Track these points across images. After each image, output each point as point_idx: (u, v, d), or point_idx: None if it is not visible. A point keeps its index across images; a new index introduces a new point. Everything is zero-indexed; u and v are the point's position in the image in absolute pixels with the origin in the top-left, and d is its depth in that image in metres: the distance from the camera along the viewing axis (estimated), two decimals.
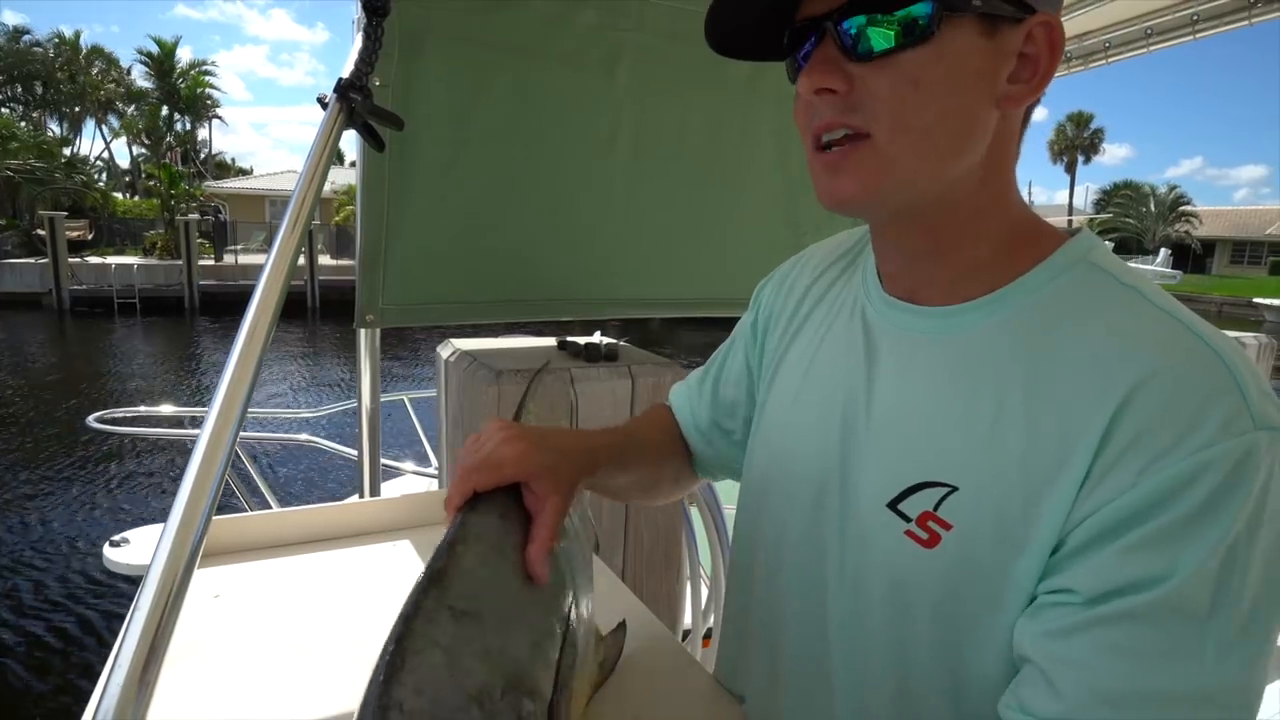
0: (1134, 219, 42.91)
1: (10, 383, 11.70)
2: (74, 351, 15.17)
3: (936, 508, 0.54)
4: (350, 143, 1.30)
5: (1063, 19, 0.55)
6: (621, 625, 0.81)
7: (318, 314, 20.19)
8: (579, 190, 1.71)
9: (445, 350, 1.62)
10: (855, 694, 0.61)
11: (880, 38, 0.49)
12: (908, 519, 0.55)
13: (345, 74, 1.08)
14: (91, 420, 2.79)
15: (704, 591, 1.72)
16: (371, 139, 1.14)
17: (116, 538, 2.25)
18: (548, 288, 1.75)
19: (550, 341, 1.76)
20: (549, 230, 1.70)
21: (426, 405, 3.28)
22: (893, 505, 0.56)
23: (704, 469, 0.90)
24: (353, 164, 1.88)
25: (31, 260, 19.94)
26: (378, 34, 1.11)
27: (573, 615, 0.59)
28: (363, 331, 1.57)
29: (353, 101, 1.06)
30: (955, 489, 0.53)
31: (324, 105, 1.06)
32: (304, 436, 3.01)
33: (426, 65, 1.46)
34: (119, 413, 2.93)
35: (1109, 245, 0.58)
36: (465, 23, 1.48)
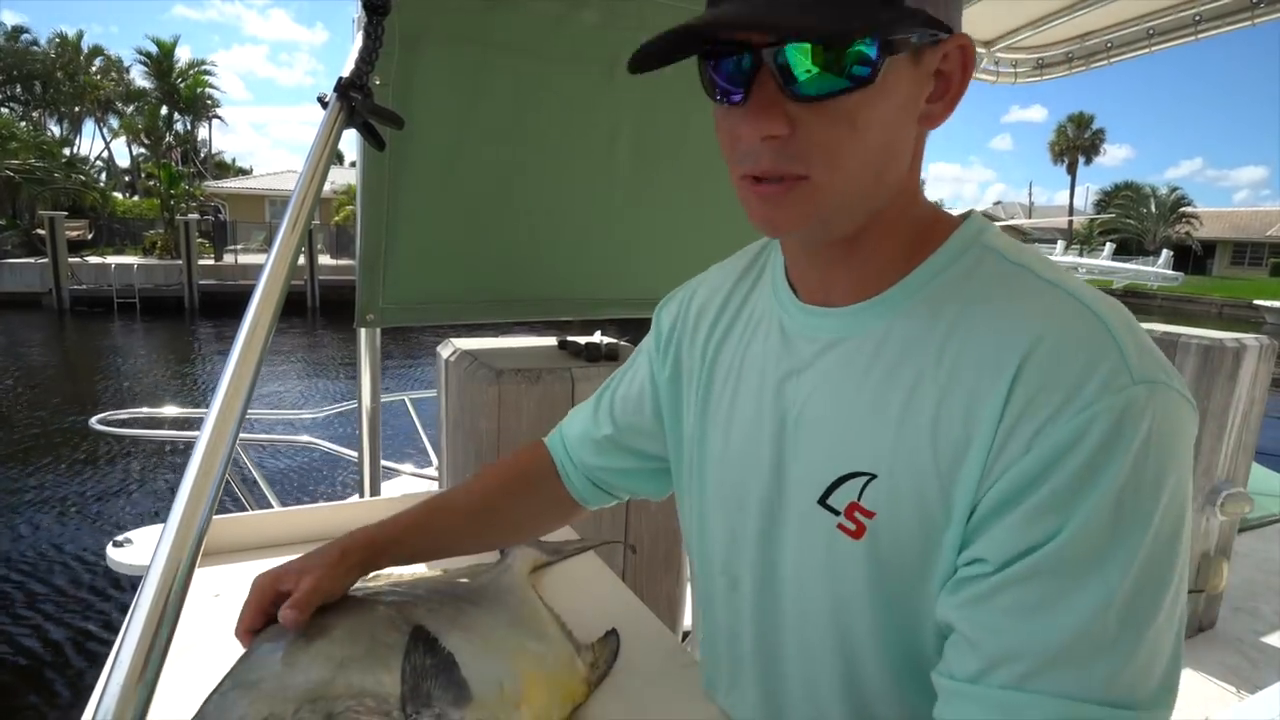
0: (1134, 220, 42.94)
1: (10, 382, 11.70)
2: (74, 351, 15.16)
3: (860, 497, 0.55)
4: (350, 143, 1.29)
5: (1065, 19, 0.55)
6: (612, 633, 0.83)
7: (318, 314, 20.19)
8: (579, 190, 1.71)
9: (445, 350, 1.62)
10: (809, 690, 0.63)
11: (827, 81, 0.48)
12: (836, 512, 0.57)
13: (345, 73, 1.08)
14: (94, 422, 2.80)
15: None
16: (372, 138, 1.14)
17: (119, 538, 2.26)
18: (548, 287, 1.75)
19: (551, 341, 1.76)
20: (549, 230, 1.70)
21: (428, 406, 3.29)
22: (822, 501, 0.58)
23: (589, 499, 0.88)
24: (352, 164, 1.88)
25: (31, 260, 19.94)
26: (378, 33, 1.11)
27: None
28: (363, 331, 1.57)
29: (353, 100, 1.06)
30: (874, 476, 0.55)
31: (324, 104, 1.06)
32: (305, 438, 3.01)
33: (427, 65, 1.46)
34: (121, 414, 2.93)
35: (997, 226, 0.59)
36: (465, 22, 1.48)
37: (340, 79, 1.07)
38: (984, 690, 0.48)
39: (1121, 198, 45.63)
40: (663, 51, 0.51)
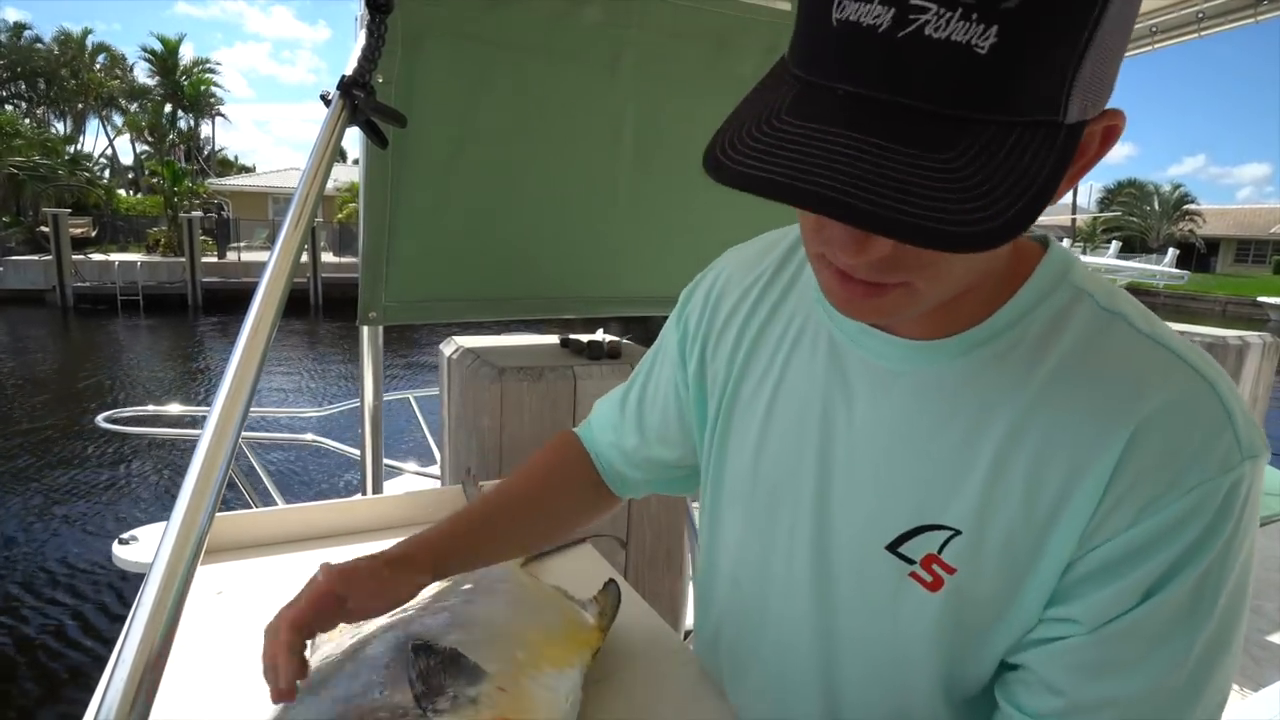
0: (1138, 218, 42.82)
1: (15, 380, 11.74)
2: (78, 349, 15.20)
3: (941, 551, 0.54)
4: (353, 140, 1.30)
5: None
6: (610, 582, 0.86)
7: (321, 311, 20.21)
8: (581, 188, 1.71)
9: (448, 348, 1.62)
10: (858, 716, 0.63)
11: None
12: (911, 561, 0.55)
13: (348, 71, 1.08)
14: (101, 420, 2.81)
15: None
16: (374, 136, 1.14)
17: (125, 535, 2.26)
18: (550, 285, 1.75)
19: (553, 339, 1.76)
20: (551, 228, 1.70)
21: (431, 404, 3.30)
22: (893, 548, 0.56)
23: (627, 489, 0.87)
24: (355, 162, 1.88)
25: (35, 257, 19.97)
26: (381, 30, 1.11)
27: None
28: (365, 329, 1.57)
29: (356, 98, 1.06)
30: (959, 533, 0.53)
31: (327, 102, 1.06)
32: (309, 436, 3.02)
33: (429, 62, 1.46)
34: (127, 412, 2.94)
35: (1078, 254, 0.55)
36: (468, 19, 1.48)
37: (343, 77, 1.07)
38: (1059, 702, 0.50)
39: (1125, 195, 45.50)
40: (764, 186, 0.40)
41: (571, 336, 1.71)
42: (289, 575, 0.96)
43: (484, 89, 1.53)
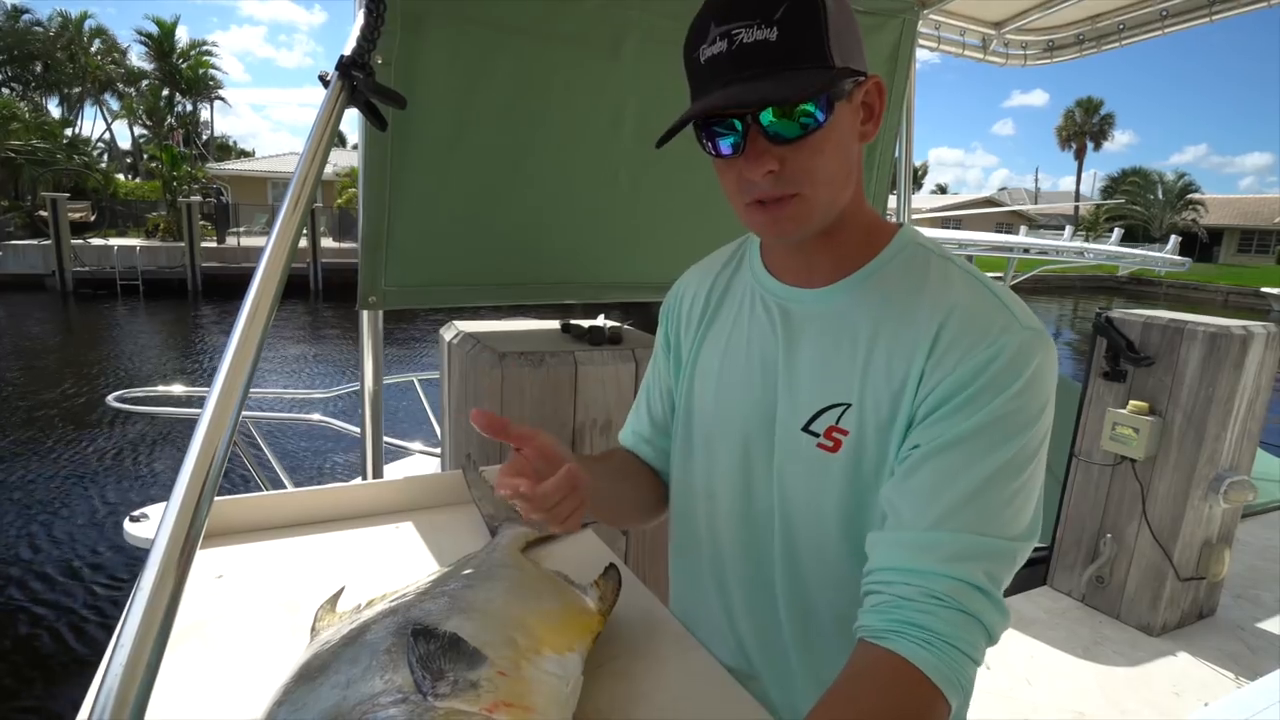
0: (1141, 206, 42.63)
1: (16, 364, 11.74)
2: (78, 333, 15.19)
3: (838, 421, 0.76)
4: (352, 124, 1.28)
5: (1076, 0, 0.54)
6: (611, 566, 0.89)
7: (320, 296, 20.18)
8: (582, 172, 1.70)
9: (448, 332, 1.61)
10: (796, 590, 0.82)
11: (798, 128, 0.69)
12: (816, 435, 0.77)
13: (346, 51, 1.06)
14: (111, 399, 2.84)
15: None
16: (374, 117, 1.13)
17: (136, 513, 2.27)
18: (551, 270, 1.74)
19: (554, 324, 1.75)
20: (552, 212, 1.69)
21: (435, 387, 3.31)
22: (805, 428, 0.78)
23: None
24: (355, 146, 1.86)
25: (34, 242, 19.91)
26: (379, 10, 1.09)
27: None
28: (365, 314, 1.57)
29: (354, 79, 1.04)
30: (849, 405, 0.75)
31: (325, 83, 1.05)
32: (315, 416, 3.02)
33: (429, 44, 1.44)
34: (138, 391, 2.97)
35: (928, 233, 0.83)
36: (468, 1, 1.46)
37: (341, 57, 1.06)
38: (908, 534, 0.68)
39: (1129, 184, 45.29)
40: (682, 125, 0.71)
41: (572, 322, 1.71)
42: (289, 559, 0.96)
43: (484, 71, 1.52)
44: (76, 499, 6.64)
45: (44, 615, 4.82)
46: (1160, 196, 42.86)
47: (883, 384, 0.73)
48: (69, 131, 31.63)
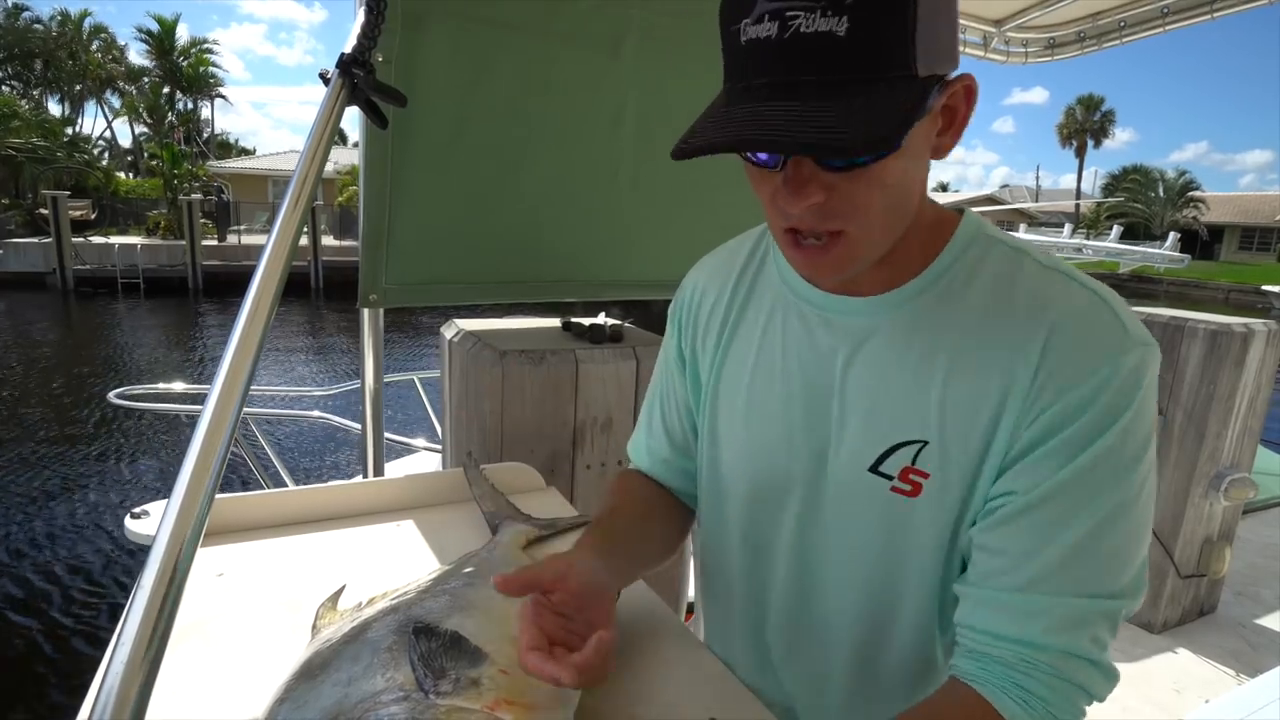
0: (1142, 204, 42.58)
1: (17, 361, 11.75)
2: (79, 331, 15.21)
3: (915, 460, 0.65)
4: (352, 122, 1.28)
5: None
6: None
7: (321, 294, 20.18)
8: (583, 170, 1.69)
9: (449, 330, 1.61)
10: (856, 640, 0.73)
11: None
12: (889, 477, 0.66)
13: (347, 49, 1.06)
14: (112, 396, 2.84)
15: None
16: (374, 115, 1.13)
17: (137, 510, 2.28)
18: (551, 268, 1.73)
19: (554, 322, 1.75)
20: (553, 210, 1.69)
21: (436, 385, 3.32)
22: (874, 469, 0.67)
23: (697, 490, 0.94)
24: (356, 145, 1.86)
25: (35, 240, 19.91)
26: (380, 8, 1.09)
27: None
28: (366, 311, 1.57)
29: (355, 77, 1.04)
30: (926, 443, 0.64)
31: (326, 81, 1.05)
32: (316, 413, 3.03)
33: (429, 41, 1.44)
34: (138, 389, 2.97)
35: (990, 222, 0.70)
36: None
37: (342, 55, 1.06)
38: (1005, 595, 0.60)
39: (1130, 181, 45.24)
40: (709, 148, 0.54)
41: (573, 320, 1.70)
42: (290, 558, 0.96)
43: (485, 69, 1.52)
44: (77, 496, 6.64)
45: (44, 613, 4.83)
46: (1161, 194, 42.81)
47: (967, 415, 0.62)
48: (70, 130, 31.62)
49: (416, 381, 3.56)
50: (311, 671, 0.62)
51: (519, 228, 1.66)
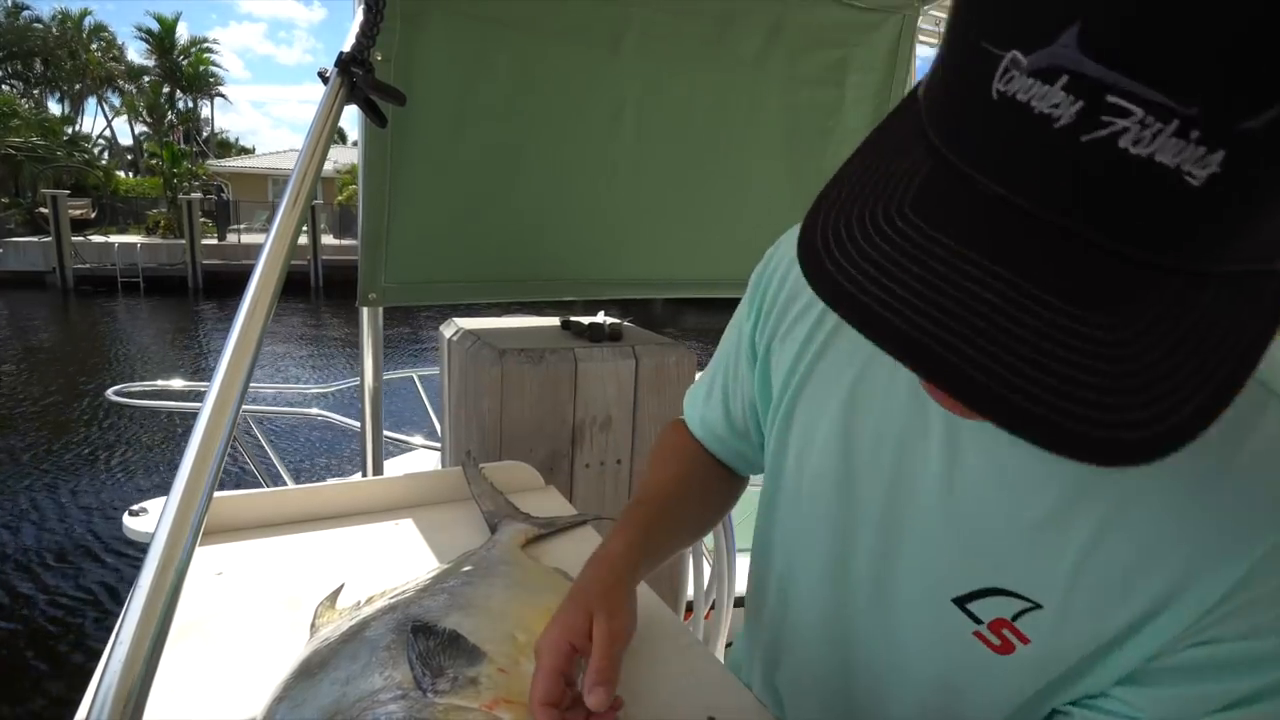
0: None
1: (16, 362, 11.75)
2: (79, 330, 15.21)
3: (1015, 619, 0.50)
4: (352, 121, 1.28)
5: None
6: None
7: (321, 294, 20.19)
8: (583, 168, 1.69)
9: (448, 329, 1.61)
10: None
11: None
12: (978, 621, 0.52)
13: (346, 48, 1.06)
14: (111, 394, 2.84)
15: (706, 568, 1.73)
16: (373, 114, 1.12)
17: (135, 507, 2.27)
18: (551, 267, 1.73)
19: (554, 321, 1.75)
20: (552, 209, 1.69)
21: (435, 383, 3.31)
22: (960, 603, 0.52)
23: (750, 467, 0.86)
24: (355, 144, 1.86)
25: (34, 239, 19.91)
26: (379, 6, 1.09)
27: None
28: (365, 310, 1.57)
29: (354, 75, 1.04)
30: (1039, 607, 0.49)
31: (325, 80, 1.04)
32: (314, 410, 3.03)
33: (428, 40, 1.44)
34: (137, 386, 2.97)
35: None
36: None
37: (341, 54, 1.06)
38: None
39: None
40: (882, 338, 0.33)
41: (572, 319, 1.70)
42: (289, 556, 0.96)
43: (484, 67, 1.52)
44: (76, 493, 6.65)
45: (42, 609, 4.83)
46: None
47: (1114, 594, 0.45)
48: (69, 128, 31.60)
49: (416, 379, 3.56)
50: (310, 670, 0.62)
51: (518, 226, 1.66)
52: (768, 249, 0.74)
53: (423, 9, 1.41)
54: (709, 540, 1.73)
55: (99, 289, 18.84)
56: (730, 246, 1.84)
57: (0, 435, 8.13)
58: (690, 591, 1.72)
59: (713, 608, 1.65)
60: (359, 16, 1.09)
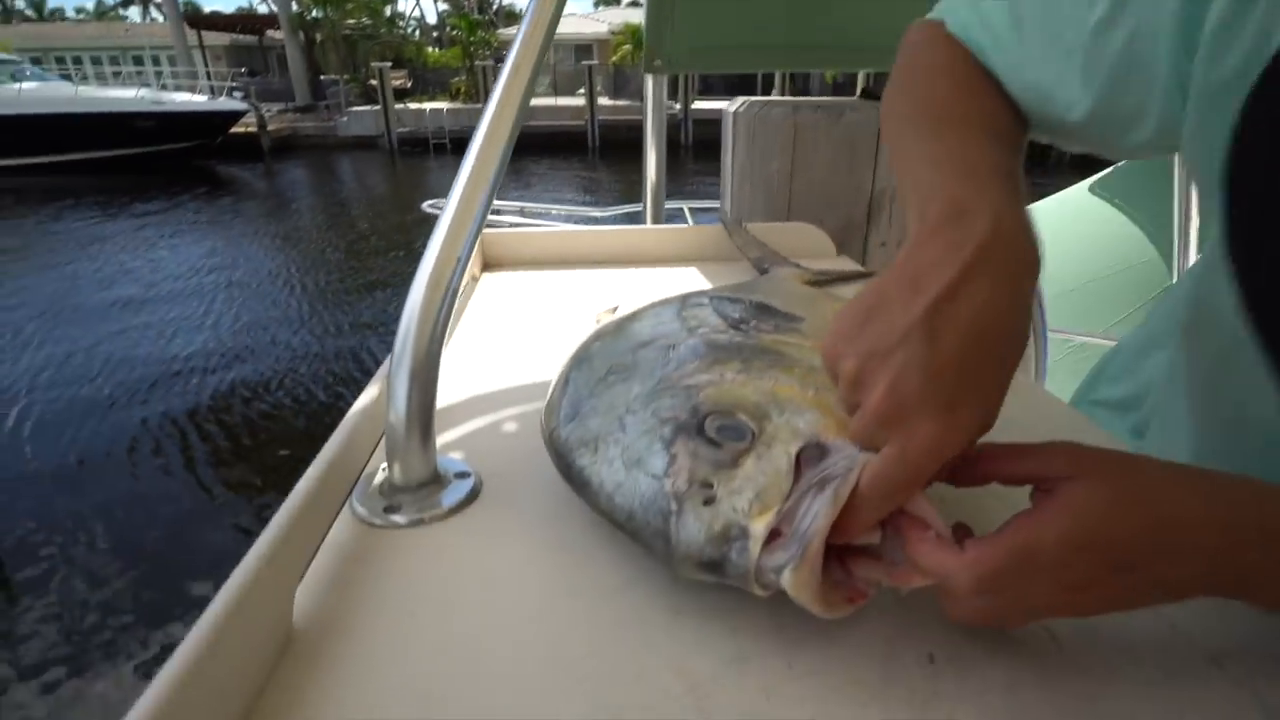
0: None
1: (365, 205, 14.35)
2: (403, 180, 18.00)
3: None
4: None
5: None
6: None
7: (597, 154, 21.10)
8: None
9: (732, 105, 1.48)
10: None
11: None
12: None
13: None
14: (425, 205, 3.35)
15: None
16: None
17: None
18: (843, 34, 1.50)
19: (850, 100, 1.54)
20: None
21: (709, 217, 3.28)
22: None
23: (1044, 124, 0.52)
24: (631, 3, 1.72)
25: (367, 108, 23.09)
26: None
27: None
28: (650, 78, 1.48)
29: None
30: None
31: None
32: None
33: None
34: (442, 202, 3.43)
35: None
36: None
37: None
38: None
39: None
40: None
41: (874, 88, 1.48)
42: (565, 287, 0.96)
43: None
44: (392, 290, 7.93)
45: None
46: None
47: None
48: (388, 9, 35.35)
49: (686, 210, 3.53)
50: (618, 324, 0.56)
51: None
52: None
53: None
54: None
55: (415, 149, 21.61)
56: None
57: (358, 262, 9.85)
58: None
59: None
60: None
